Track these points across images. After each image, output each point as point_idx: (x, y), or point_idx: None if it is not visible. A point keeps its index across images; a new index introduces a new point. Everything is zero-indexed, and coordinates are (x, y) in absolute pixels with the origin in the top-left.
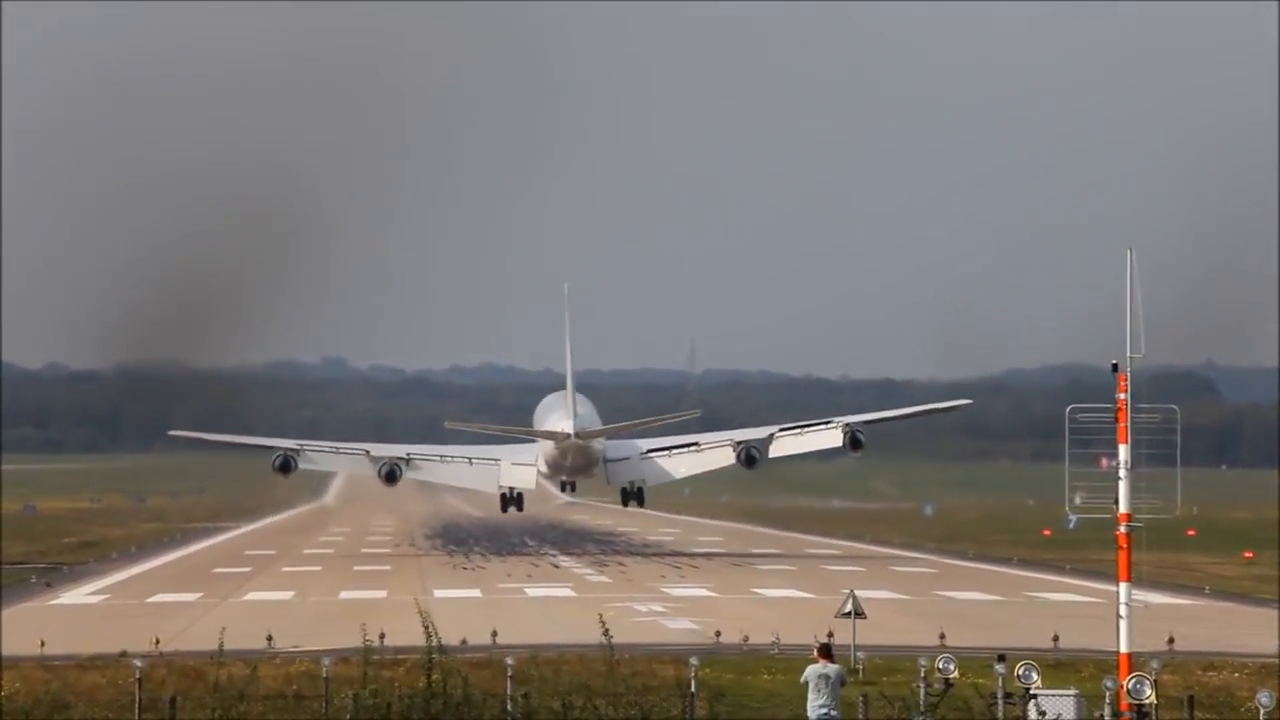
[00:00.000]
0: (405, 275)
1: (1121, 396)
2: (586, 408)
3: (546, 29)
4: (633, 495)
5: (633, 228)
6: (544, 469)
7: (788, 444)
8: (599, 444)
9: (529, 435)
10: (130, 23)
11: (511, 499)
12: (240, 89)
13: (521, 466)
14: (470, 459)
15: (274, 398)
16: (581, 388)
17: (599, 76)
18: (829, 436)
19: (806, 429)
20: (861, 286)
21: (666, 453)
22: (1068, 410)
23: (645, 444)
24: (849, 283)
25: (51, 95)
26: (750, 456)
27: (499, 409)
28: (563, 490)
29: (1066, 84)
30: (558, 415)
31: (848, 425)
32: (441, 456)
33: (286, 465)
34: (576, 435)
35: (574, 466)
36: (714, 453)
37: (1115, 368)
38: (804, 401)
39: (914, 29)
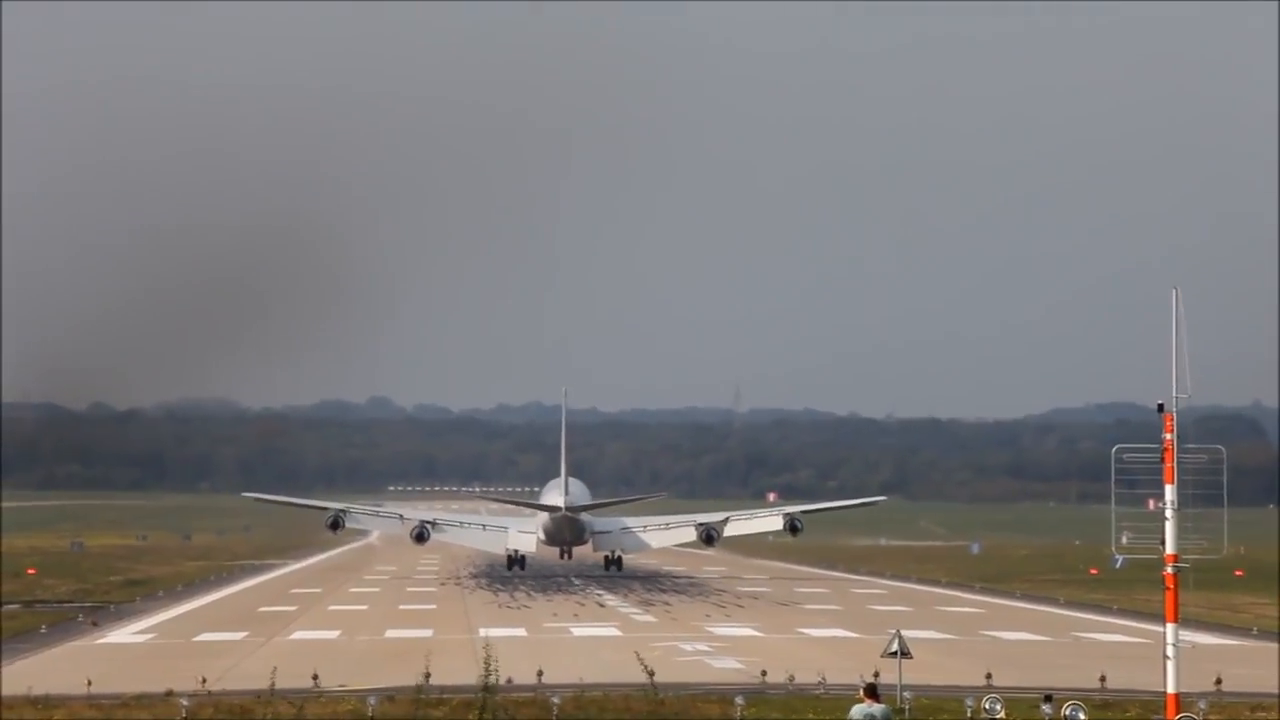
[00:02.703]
0: (452, 316)
1: (1168, 437)
2: (579, 489)
3: (596, 77)
4: (613, 562)
5: (679, 268)
6: (543, 537)
7: (739, 526)
8: (587, 518)
9: (531, 506)
10: (177, 52)
11: (515, 560)
12: (289, 131)
13: (524, 534)
14: (484, 525)
15: (321, 438)
16: (627, 426)
17: (645, 121)
18: (773, 522)
19: (755, 516)
20: (907, 326)
21: (642, 528)
22: (1114, 450)
23: (629, 521)
24: (895, 322)
25: (98, 136)
26: (709, 536)
27: (545, 448)
28: (560, 558)
29: (1114, 126)
30: (554, 493)
31: (787, 514)
32: (461, 523)
33: (336, 524)
34: (567, 509)
35: (567, 536)
36: (680, 530)
37: (1161, 408)
38: (849, 440)
39: (961, 81)
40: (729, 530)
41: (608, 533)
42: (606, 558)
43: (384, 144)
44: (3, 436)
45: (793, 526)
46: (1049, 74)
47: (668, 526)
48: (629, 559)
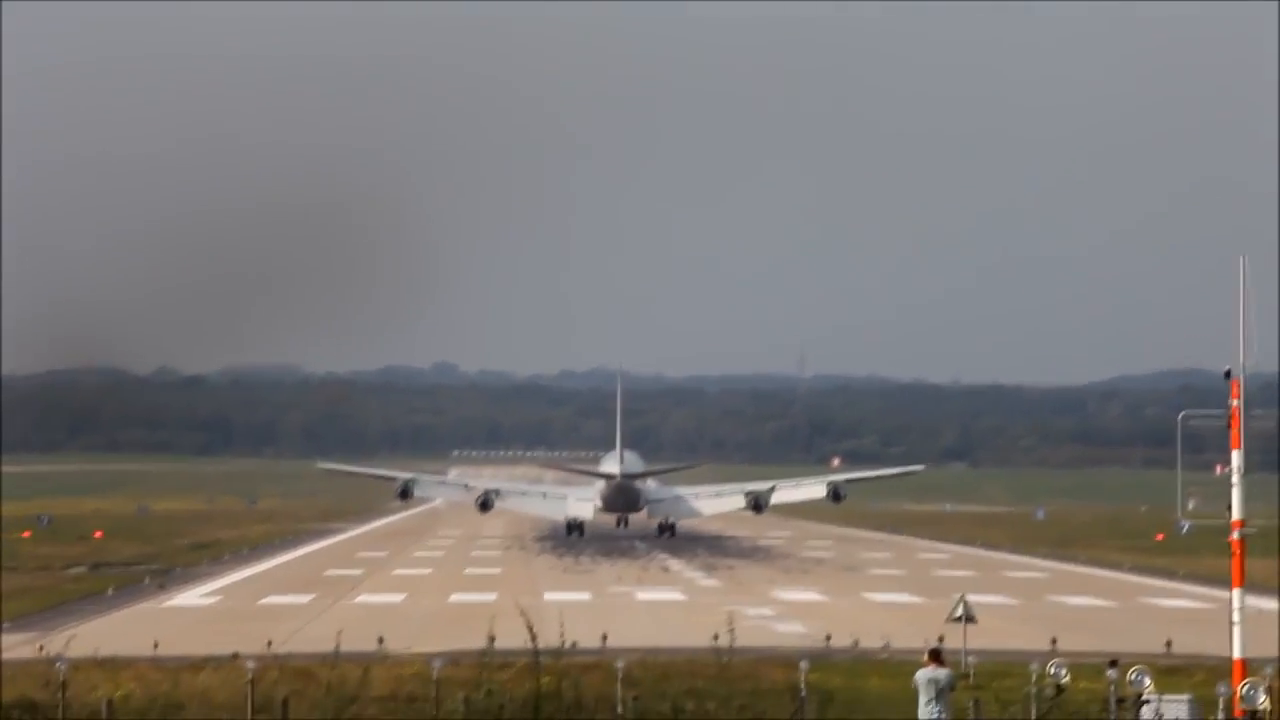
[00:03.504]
0: (516, 282)
1: (1234, 403)
2: (633, 458)
3: (659, 44)
4: (666, 528)
5: (745, 235)
6: (600, 504)
7: (786, 494)
8: (642, 486)
9: (589, 474)
10: (220, 24)
11: (575, 526)
12: (352, 103)
13: (583, 502)
14: (545, 494)
15: (385, 403)
16: (691, 393)
17: (711, 86)
18: (816, 490)
19: (801, 484)
20: (972, 291)
21: (694, 496)
22: (1180, 417)
23: (682, 489)
24: (960, 288)
25: (170, 104)
26: (758, 504)
27: (608, 414)
28: (617, 526)
29: (1181, 92)
30: (610, 462)
31: (831, 483)
32: (523, 492)
33: (406, 492)
34: (622, 476)
35: (622, 504)
36: (730, 498)
37: (1228, 374)
38: (914, 407)
39: (1034, 51)
40: (775, 498)
41: (661, 500)
42: (660, 524)
43: (446, 113)
44: (52, 401)
45: (835, 494)
46: (1119, 38)
47: (719, 495)
48: (682, 525)
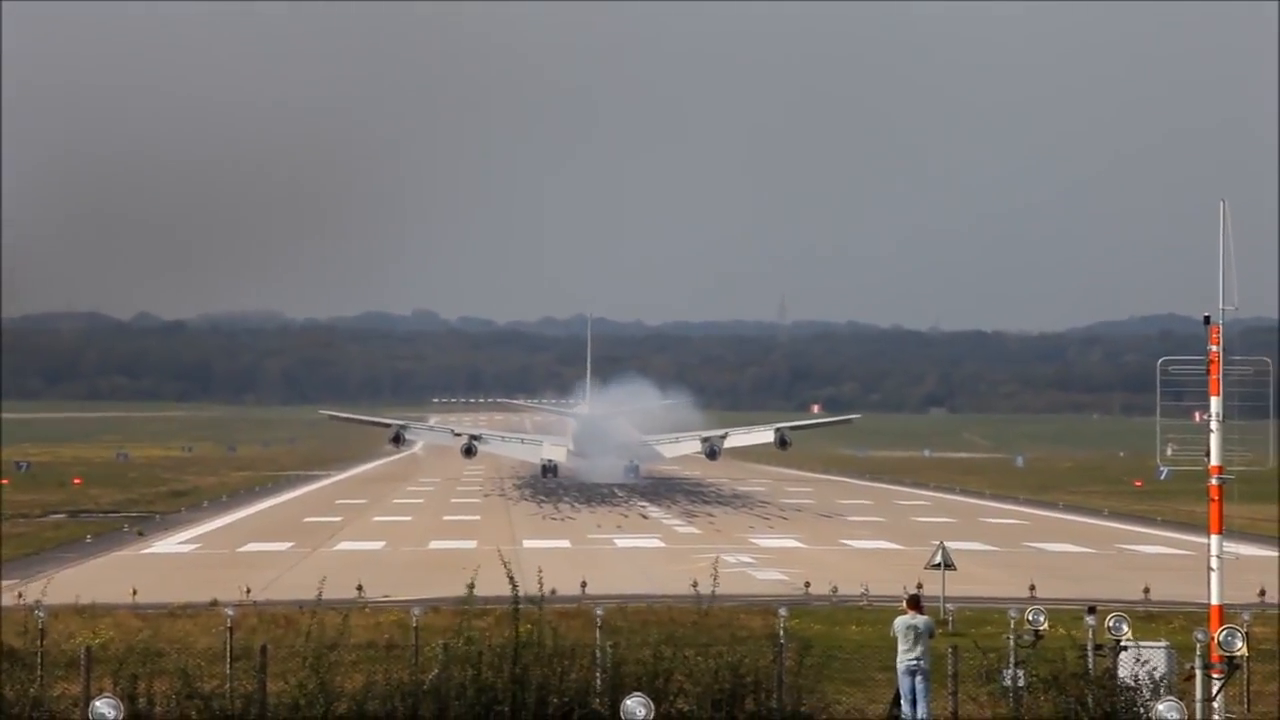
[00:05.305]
0: (496, 228)
1: (1214, 349)
2: (601, 403)
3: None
4: (631, 470)
5: (721, 181)
6: (572, 447)
7: (737, 440)
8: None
9: (563, 413)
10: None
11: (549, 469)
12: (332, 50)
13: (556, 446)
14: (522, 439)
15: (366, 350)
16: (671, 339)
17: (681, 32)
18: (766, 436)
19: (751, 431)
20: (953, 238)
21: (656, 441)
22: (1159, 363)
23: (646, 436)
24: (940, 235)
25: (157, 57)
26: (712, 450)
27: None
28: None
29: (1162, 39)
30: (582, 405)
31: (778, 429)
32: (503, 437)
33: (398, 438)
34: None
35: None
36: (688, 443)
37: (1208, 320)
38: (893, 353)
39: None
40: (728, 443)
41: (627, 444)
42: (624, 466)
43: (424, 59)
44: (32, 347)
45: (782, 441)
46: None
47: (677, 440)
48: (646, 469)
